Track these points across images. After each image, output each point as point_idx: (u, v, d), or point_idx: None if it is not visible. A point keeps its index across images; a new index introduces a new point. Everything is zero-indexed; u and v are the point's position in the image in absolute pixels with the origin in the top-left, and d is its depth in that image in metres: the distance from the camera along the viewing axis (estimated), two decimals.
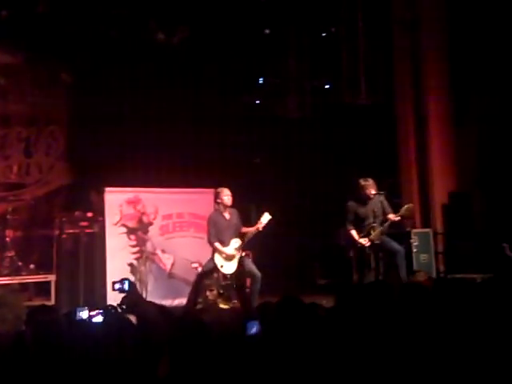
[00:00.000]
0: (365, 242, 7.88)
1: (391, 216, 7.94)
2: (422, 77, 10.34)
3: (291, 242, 9.91)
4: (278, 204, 10.31)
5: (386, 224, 7.94)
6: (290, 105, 10.91)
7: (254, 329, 3.93)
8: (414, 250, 9.25)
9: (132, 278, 8.61)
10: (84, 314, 4.25)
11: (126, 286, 4.82)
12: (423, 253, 9.32)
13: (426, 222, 10.01)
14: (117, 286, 4.86)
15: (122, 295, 5.37)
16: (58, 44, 10.54)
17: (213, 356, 3.39)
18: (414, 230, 9.51)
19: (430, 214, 10.05)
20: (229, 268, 8.25)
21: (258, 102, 11.42)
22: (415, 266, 9.05)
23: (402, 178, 10.38)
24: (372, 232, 7.91)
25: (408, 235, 9.34)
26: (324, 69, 11.13)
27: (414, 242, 9.29)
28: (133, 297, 4.94)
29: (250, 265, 8.14)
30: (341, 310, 4.49)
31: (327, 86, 11.27)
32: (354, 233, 7.97)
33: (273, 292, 7.01)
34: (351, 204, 8.06)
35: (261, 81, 11.37)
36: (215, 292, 5.92)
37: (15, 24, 10.04)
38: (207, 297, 5.78)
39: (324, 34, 11.31)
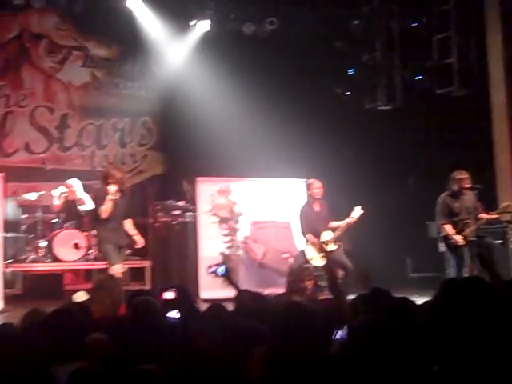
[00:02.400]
0: (460, 239, 7.66)
1: (485, 215, 7.71)
2: None
3: (382, 234, 9.82)
4: (368, 196, 10.25)
5: (482, 222, 7.72)
6: (380, 96, 10.79)
7: (341, 334, 3.92)
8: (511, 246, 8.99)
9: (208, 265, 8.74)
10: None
11: (221, 271, 4.89)
12: None
13: None
14: (211, 270, 4.94)
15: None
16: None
17: (316, 344, 3.40)
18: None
19: None
20: (319, 261, 8.29)
21: (347, 93, 11.36)
22: None
23: (498, 171, 10.10)
24: (466, 229, 7.69)
25: (504, 230, 9.08)
26: (415, 59, 10.96)
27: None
28: (228, 282, 5.01)
29: (342, 257, 8.14)
30: (440, 305, 4.45)
31: (418, 77, 11.07)
32: (448, 227, 7.73)
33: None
34: (444, 197, 7.82)
35: (351, 72, 11.29)
36: (311, 282, 5.94)
37: (110, 18, 10.36)
38: (303, 287, 5.81)
39: (415, 24, 11.12)
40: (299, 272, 6.20)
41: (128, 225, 7.63)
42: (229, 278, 5.01)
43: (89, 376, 2.80)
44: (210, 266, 4.98)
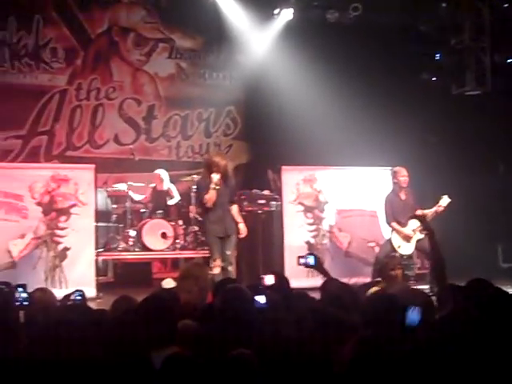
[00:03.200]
0: None
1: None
2: None
3: (471, 223, 9.56)
4: (455, 184, 10.00)
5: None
6: (469, 81, 10.48)
7: (414, 316, 3.83)
8: None
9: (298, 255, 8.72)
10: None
11: (311, 261, 4.88)
12: None
13: None
14: (302, 260, 4.94)
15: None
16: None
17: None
18: None
19: None
20: (406, 249, 8.19)
21: (434, 79, 11.08)
22: None
23: None
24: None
25: None
26: (506, 42, 10.57)
27: None
28: (319, 271, 5.00)
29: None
30: None
31: (510, 61, 10.69)
32: None
33: (456, 275, 6.85)
34: None
35: (438, 57, 11.01)
36: (401, 271, 5.85)
37: (194, 10, 10.48)
38: (393, 276, 5.72)
39: (506, 5, 10.72)
40: (388, 260, 6.11)
41: (234, 211, 7.68)
42: (319, 267, 5.00)
43: (183, 361, 2.84)
44: (300, 257, 4.97)
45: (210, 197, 7.41)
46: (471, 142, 10.54)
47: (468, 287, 4.31)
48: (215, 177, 7.40)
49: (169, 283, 5.17)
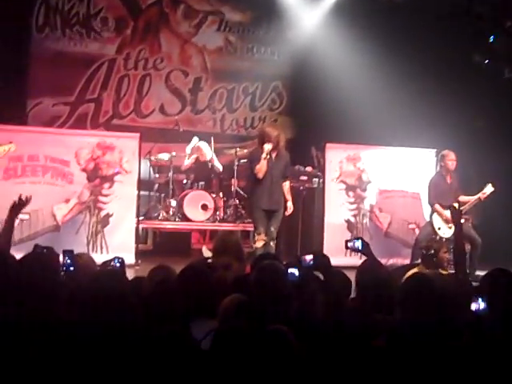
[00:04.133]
0: None
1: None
2: None
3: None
4: (499, 170, 9.83)
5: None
6: None
7: (479, 305, 3.79)
8: None
9: (348, 235, 8.73)
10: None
11: (359, 245, 4.86)
12: None
13: None
14: (349, 244, 4.92)
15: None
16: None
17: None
18: None
19: None
20: (446, 232, 8.12)
21: (486, 61, 10.82)
22: None
23: None
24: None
25: None
26: None
27: None
28: (367, 255, 4.98)
29: (470, 230, 7.96)
30: None
31: None
32: None
33: (489, 260, 6.79)
34: None
35: (491, 39, 10.74)
36: (447, 255, 5.80)
37: None
38: (440, 260, 5.67)
39: None
40: (434, 244, 6.05)
41: (285, 187, 7.69)
42: (367, 251, 4.98)
43: (233, 335, 2.85)
44: (348, 241, 4.95)
45: (261, 167, 7.43)
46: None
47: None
48: (267, 146, 7.42)
49: (207, 252, 5.21)
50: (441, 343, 2.87)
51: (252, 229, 8.45)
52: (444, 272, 5.52)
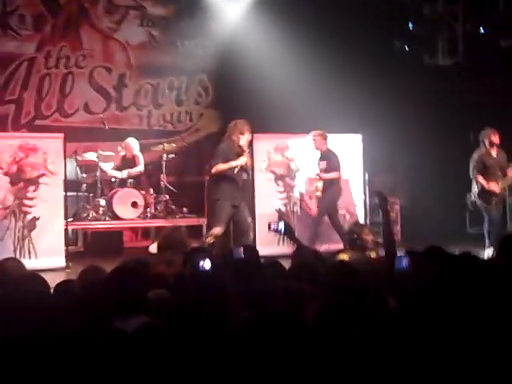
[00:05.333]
0: (496, 188, 8.02)
1: None
2: None
3: (442, 190, 9.65)
4: (427, 152, 10.08)
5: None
6: (441, 51, 10.50)
7: (403, 263, 3.92)
8: None
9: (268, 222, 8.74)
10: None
11: (281, 227, 4.90)
12: None
13: None
14: (272, 226, 4.95)
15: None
16: None
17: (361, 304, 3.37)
18: None
19: None
20: None
21: (407, 47, 11.06)
22: None
23: None
24: (500, 181, 8.07)
25: None
26: (478, 11, 10.57)
27: None
28: (290, 238, 5.02)
29: None
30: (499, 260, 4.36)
31: (482, 30, 10.69)
32: (482, 180, 8.10)
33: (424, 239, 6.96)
34: (480, 154, 8.18)
35: (411, 26, 10.98)
36: (371, 238, 5.88)
37: None
38: (363, 243, 5.75)
39: None
40: (354, 227, 6.14)
41: None
42: (290, 234, 5.02)
43: (154, 331, 2.83)
44: (270, 224, 4.98)
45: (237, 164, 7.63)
46: (443, 111, 10.59)
47: (426, 253, 4.39)
48: (243, 160, 7.67)
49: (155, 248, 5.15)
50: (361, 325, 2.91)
51: (184, 224, 8.40)
52: (372, 254, 5.61)
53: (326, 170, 8.57)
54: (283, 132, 9.58)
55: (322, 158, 8.71)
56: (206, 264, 4.06)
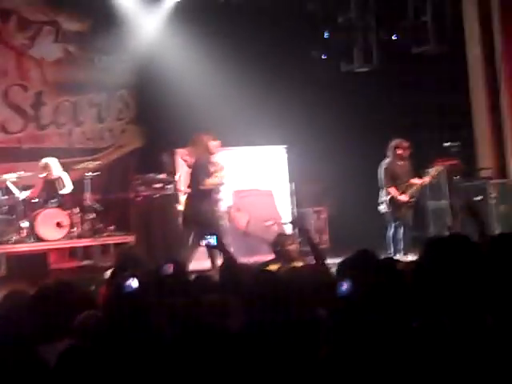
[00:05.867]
0: (405, 198, 8.34)
1: (418, 180, 8.44)
2: (493, 19, 10.02)
3: (367, 196, 9.80)
4: (349, 159, 10.27)
5: (418, 186, 8.46)
6: (357, 58, 10.71)
7: (344, 287, 3.96)
8: (493, 202, 9.09)
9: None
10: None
11: (213, 240, 4.89)
12: (503, 204, 9.12)
13: (504, 172, 9.78)
14: (204, 240, 4.94)
15: None
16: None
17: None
18: (492, 181, 9.32)
19: (505, 164, 9.82)
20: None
21: (324, 57, 11.24)
22: (494, 218, 8.94)
23: (476, 127, 10.12)
24: (409, 190, 8.38)
25: (485, 187, 9.19)
26: (390, 19, 10.85)
27: (492, 193, 9.14)
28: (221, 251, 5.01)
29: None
30: (423, 263, 4.48)
31: (394, 37, 10.97)
32: (393, 190, 8.37)
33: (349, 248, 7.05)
34: (388, 163, 8.50)
35: (326, 35, 11.17)
36: (295, 247, 5.94)
37: None
38: (287, 253, 5.81)
39: None
40: (279, 238, 6.20)
41: None
42: (221, 246, 5.02)
43: (79, 353, 2.78)
44: (203, 238, 4.96)
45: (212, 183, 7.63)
46: (362, 118, 10.82)
47: (355, 259, 4.46)
48: (222, 175, 7.71)
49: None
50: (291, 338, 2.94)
51: (111, 242, 8.30)
52: (298, 263, 5.67)
53: None
54: None
55: None
56: (134, 283, 4.01)
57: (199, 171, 7.73)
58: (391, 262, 4.58)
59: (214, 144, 7.79)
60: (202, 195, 7.73)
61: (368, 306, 3.23)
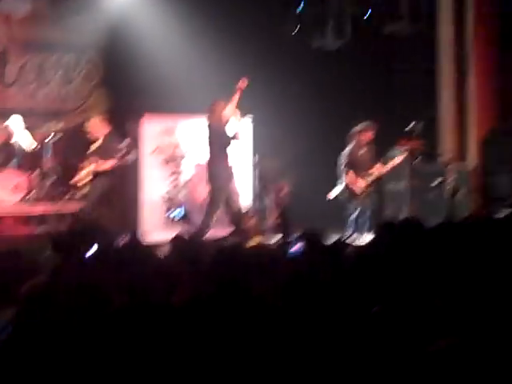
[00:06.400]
0: (363, 185, 8.45)
1: (380, 168, 8.54)
2: (466, 2, 10.02)
3: (325, 175, 9.84)
4: (315, 136, 10.28)
5: (377, 174, 8.58)
6: (329, 34, 10.66)
7: (297, 248, 4.10)
8: (451, 185, 9.19)
9: (166, 207, 8.72)
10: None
11: (180, 213, 4.91)
12: (460, 187, 9.22)
13: (463, 158, 9.88)
14: (170, 212, 4.95)
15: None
16: None
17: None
18: (451, 166, 9.40)
19: (467, 150, 9.91)
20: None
21: (295, 32, 11.14)
22: (450, 203, 9.04)
23: (440, 112, 10.16)
24: (368, 178, 8.49)
25: (444, 171, 9.28)
26: None
27: (451, 177, 9.23)
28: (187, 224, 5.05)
29: None
30: (378, 246, 4.55)
31: (367, 14, 10.91)
32: (352, 175, 8.46)
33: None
34: (351, 149, 8.52)
35: (299, 10, 11.06)
36: (253, 222, 6.00)
37: None
38: (245, 228, 5.86)
39: None
40: (240, 213, 6.25)
41: None
42: (187, 220, 5.04)
43: (24, 322, 2.79)
44: (169, 209, 4.98)
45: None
46: (331, 95, 10.80)
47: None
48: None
49: None
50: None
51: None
52: (256, 239, 5.73)
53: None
54: (173, 113, 9.49)
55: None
56: (93, 249, 4.04)
57: (220, 138, 7.95)
58: (339, 245, 4.64)
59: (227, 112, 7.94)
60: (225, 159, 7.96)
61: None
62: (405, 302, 3.03)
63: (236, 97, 7.94)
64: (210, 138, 8.09)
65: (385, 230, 4.88)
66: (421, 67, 10.58)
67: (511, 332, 2.42)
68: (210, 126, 8.08)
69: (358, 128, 8.57)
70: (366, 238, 7.99)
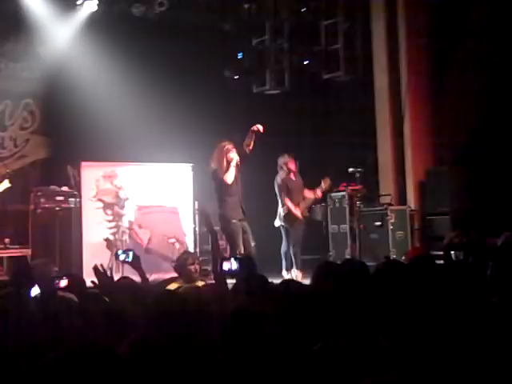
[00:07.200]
0: (300, 214, 8.70)
1: (311, 194, 8.84)
2: (399, 51, 10.39)
3: (267, 215, 9.87)
4: (259, 179, 10.32)
5: (310, 200, 8.91)
6: (269, 80, 10.83)
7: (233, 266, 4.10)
8: (390, 228, 9.34)
9: (108, 253, 8.61)
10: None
11: (130, 256, 4.79)
12: (399, 230, 9.40)
13: (403, 199, 10.08)
14: (120, 256, 4.82)
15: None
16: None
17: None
18: (391, 208, 9.58)
19: (406, 191, 10.12)
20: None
21: (236, 77, 11.31)
22: (391, 244, 9.18)
23: (380, 154, 10.41)
24: (301, 205, 8.76)
25: (384, 212, 9.44)
26: (303, 44, 11.05)
27: (390, 219, 9.39)
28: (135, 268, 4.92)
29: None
30: (317, 286, 4.53)
31: (306, 62, 11.17)
32: (290, 204, 8.70)
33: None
34: (283, 177, 8.82)
35: (240, 56, 11.25)
36: (196, 267, 5.90)
37: None
38: (188, 272, 5.77)
39: (303, 9, 11.20)
40: (187, 256, 6.17)
41: None
42: (136, 263, 4.94)
43: None
44: (117, 253, 4.87)
45: (229, 174, 7.65)
46: (268, 137, 10.89)
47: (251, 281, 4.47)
48: (234, 156, 7.75)
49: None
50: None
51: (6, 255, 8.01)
52: (199, 283, 5.63)
53: None
54: (112, 160, 9.44)
55: None
56: (34, 290, 3.90)
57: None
58: (288, 285, 4.61)
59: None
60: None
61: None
62: (347, 339, 3.02)
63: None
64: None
65: (325, 270, 4.89)
66: (359, 110, 10.84)
67: (452, 370, 2.44)
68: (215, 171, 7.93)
69: (284, 158, 8.91)
70: (298, 273, 8.10)
